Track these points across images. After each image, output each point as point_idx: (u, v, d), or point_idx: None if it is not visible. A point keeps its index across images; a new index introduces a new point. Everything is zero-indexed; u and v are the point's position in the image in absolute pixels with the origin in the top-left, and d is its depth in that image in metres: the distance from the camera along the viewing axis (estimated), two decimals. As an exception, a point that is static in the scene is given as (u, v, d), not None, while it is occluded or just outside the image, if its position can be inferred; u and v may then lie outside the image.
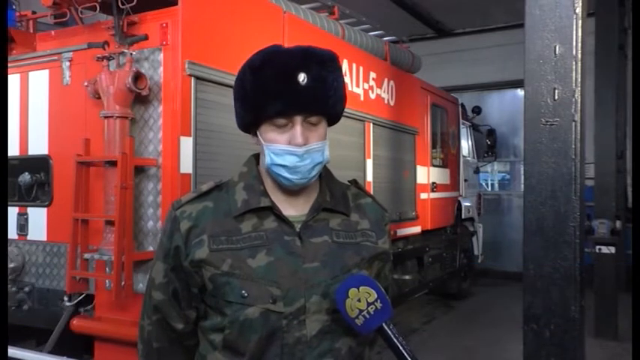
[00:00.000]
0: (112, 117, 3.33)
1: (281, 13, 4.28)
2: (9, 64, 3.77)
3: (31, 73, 3.96)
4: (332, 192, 1.39)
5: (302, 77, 1.23)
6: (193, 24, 3.43)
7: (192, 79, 3.39)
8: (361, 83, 5.31)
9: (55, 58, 3.82)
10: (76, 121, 3.70)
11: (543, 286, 2.29)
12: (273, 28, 4.13)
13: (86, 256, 3.42)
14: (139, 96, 3.35)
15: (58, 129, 3.85)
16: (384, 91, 5.83)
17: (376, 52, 5.87)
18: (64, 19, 3.81)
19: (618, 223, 6.26)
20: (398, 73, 6.25)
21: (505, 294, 8.61)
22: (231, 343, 1.27)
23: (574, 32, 2.26)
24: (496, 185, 11.91)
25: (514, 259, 9.59)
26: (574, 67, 2.26)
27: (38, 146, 3.93)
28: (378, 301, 1.21)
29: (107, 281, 3.32)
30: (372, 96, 5.56)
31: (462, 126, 8.44)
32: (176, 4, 3.35)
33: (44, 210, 3.89)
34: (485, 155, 9.33)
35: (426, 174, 6.93)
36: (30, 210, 3.96)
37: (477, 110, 9.16)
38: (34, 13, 4.25)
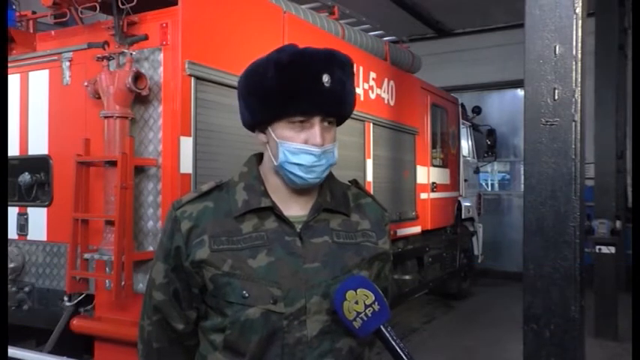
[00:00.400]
0: (112, 117, 3.33)
1: (281, 13, 4.28)
2: (9, 64, 3.76)
3: (31, 73, 3.96)
4: (332, 192, 1.39)
5: (326, 79, 1.24)
6: (193, 24, 3.43)
7: (192, 79, 3.39)
8: (361, 83, 5.30)
9: (55, 58, 3.82)
10: (76, 121, 3.69)
11: (543, 286, 2.29)
12: (273, 28, 4.13)
13: (86, 256, 3.42)
14: (139, 96, 3.35)
15: (58, 129, 3.85)
16: (384, 91, 5.82)
17: (376, 52, 5.87)
18: (64, 19, 3.81)
19: (618, 223, 6.26)
20: (398, 73, 6.25)
21: (505, 294, 8.60)
22: (232, 343, 1.27)
23: (574, 32, 2.26)
24: (496, 185, 11.90)
25: (514, 259, 9.58)
26: (574, 67, 2.26)
27: (38, 146, 3.93)
28: (376, 303, 1.21)
29: (107, 281, 3.32)
30: (372, 96, 5.56)
31: (462, 126, 8.44)
32: (176, 4, 3.34)
33: (44, 210, 3.89)
34: (485, 155, 9.32)
35: (426, 174, 6.93)
36: (30, 210, 3.96)
37: (477, 110, 9.15)
38: (34, 13, 4.25)
